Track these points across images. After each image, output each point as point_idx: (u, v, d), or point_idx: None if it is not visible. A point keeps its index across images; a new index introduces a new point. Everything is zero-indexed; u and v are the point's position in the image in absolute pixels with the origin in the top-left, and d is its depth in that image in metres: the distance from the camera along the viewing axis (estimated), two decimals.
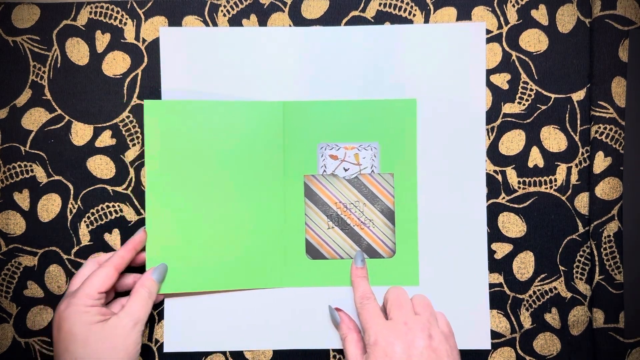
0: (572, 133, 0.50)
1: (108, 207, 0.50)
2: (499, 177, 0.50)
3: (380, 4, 0.50)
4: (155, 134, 0.48)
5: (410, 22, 0.50)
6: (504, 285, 0.50)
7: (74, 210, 0.50)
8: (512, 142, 0.50)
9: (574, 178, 0.50)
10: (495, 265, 0.50)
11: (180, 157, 0.49)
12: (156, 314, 0.50)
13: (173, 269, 0.48)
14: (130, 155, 0.50)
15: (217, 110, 0.49)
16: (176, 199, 0.48)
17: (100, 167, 0.50)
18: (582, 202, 0.50)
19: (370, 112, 0.49)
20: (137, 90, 0.50)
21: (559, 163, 0.50)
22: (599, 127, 0.49)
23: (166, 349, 0.50)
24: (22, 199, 0.50)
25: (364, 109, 0.49)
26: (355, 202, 0.50)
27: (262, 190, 0.49)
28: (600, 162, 0.49)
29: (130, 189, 0.50)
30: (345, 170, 0.50)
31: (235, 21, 0.50)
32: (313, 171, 0.50)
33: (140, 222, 0.50)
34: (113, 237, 0.50)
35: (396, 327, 0.42)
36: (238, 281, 0.49)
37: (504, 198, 0.50)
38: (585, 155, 0.50)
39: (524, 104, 0.50)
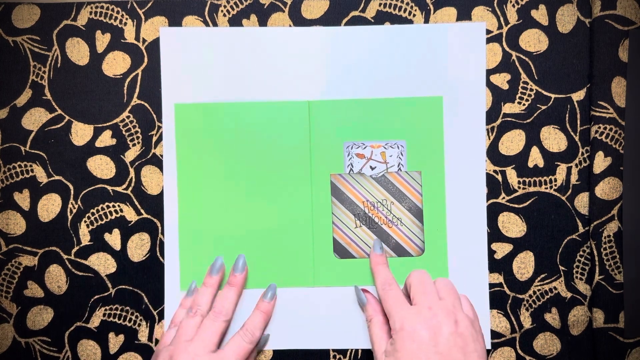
0: (572, 133, 0.50)
1: (108, 207, 0.50)
2: (499, 177, 0.50)
3: (380, 4, 0.50)
4: (185, 136, 0.49)
5: (410, 22, 0.50)
6: (504, 285, 0.50)
7: (74, 210, 0.50)
8: (512, 142, 0.50)
9: (574, 178, 0.50)
10: (495, 265, 0.50)
11: (209, 158, 0.50)
12: (156, 313, 0.50)
13: (202, 266, 0.49)
14: (130, 155, 0.50)
15: (245, 111, 0.50)
16: (205, 198, 0.49)
17: (100, 167, 0.50)
18: (582, 202, 0.50)
19: (396, 110, 0.49)
20: (137, 90, 0.50)
21: (559, 163, 0.50)
22: (599, 127, 0.49)
23: None
24: (22, 199, 0.50)
25: (389, 106, 0.49)
26: (382, 201, 0.50)
27: (289, 190, 0.49)
28: (600, 162, 0.49)
29: (130, 189, 0.50)
30: (372, 168, 0.50)
31: (235, 21, 0.50)
32: (340, 170, 0.50)
33: (141, 222, 0.50)
34: (113, 237, 0.50)
35: (421, 313, 0.42)
36: (266, 280, 0.49)
37: (504, 198, 0.50)
38: (585, 155, 0.50)
39: (524, 104, 0.50)
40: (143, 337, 0.50)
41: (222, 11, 0.50)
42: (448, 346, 0.41)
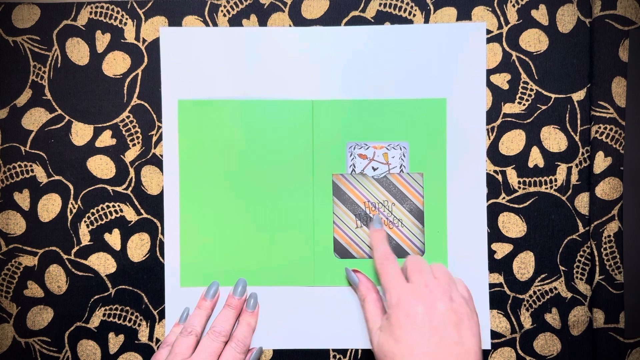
0: (572, 133, 0.50)
1: (108, 207, 0.50)
2: (499, 177, 0.50)
3: (380, 4, 0.50)
4: (188, 133, 0.49)
5: (410, 22, 0.50)
6: (504, 285, 0.50)
7: (74, 210, 0.50)
8: (512, 142, 0.50)
9: (574, 178, 0.50)
10: (495, 265, 0.50)
11: (211, 156, 0.50)
12: (156, 313, 0.50)
13: (202, 265, 0.49)
14: (130, 155, 0.50)
15: (248, 109, 0.50)
16: (207, 196, 0.50)
17: (100, 167, 0.50)
18: (582, 202, 0.50)
19: (399, 111, 0.49)
20: (137, 90, 0.50)
21: (559, 163, 0.50)
22: (599, 127, 0.49)
23: None
24: (22, 199, 0.50)
25: (393, 108, 0.49)
26: (384, 202, 0.50)
27: (291, 189, 0.49)
28: (601, 162, 0.49)
29: (130, 189, 0.50)
30: (374, 169, 0.50)
31: (235, 21, 0.50)
32: (342, 170, 0.50)
33: (141, 222, 0.50)
34: (113, 237, 0.50)
35: (417, 289, 0.43)
36: (266, 279, 0.49)
37: (504, 198, 0.50)
38: (585, 155, 0.50)
39: (524, 104, 0.50)
40: (143, 337, 0.50)
41: (222, 11, 0.50)
42: (442, 321, 0.41)
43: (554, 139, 0.50)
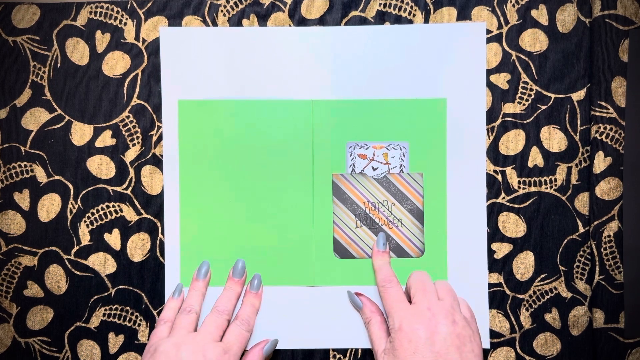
0: (572, 133, 0.50)
1: (108, 207, 0.50)
2: (499, 177, 0.50)
3: (380, 4, 0.50)
4: (188, 133, 0.49)
5: (410, 22, 0.50)
6: (504, 285, 0.50)
7: (74, 210, 0.50)
8: (512, 142, 0.50)
9: (574, 178, 0.50)
10: (495, 265, 0.50)
11: (211, 156, 0.50)
12: (156, 313, 0.50)
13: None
14: (130, 155, 0.50)
15: (248, 109, 0.50)
16: (207, 196, 0.50)
17: (100, 167, 0.50)
18: (582, 202, 0.50)
19: (399, 111, 0.49)
20: (137, 90, 0.50)
21: (559, 163, 0.50)
22: (599, 127, 0.49)
23: None
24: (22, 199, 0.50)
25: (393, 108, 0.49)
26: (383, 202, 0.50)
27: (291, 189, 0.50)
28: (600, 162, 0.49)
29: (130, 189, 0.50)
30: (374, 169, 0.50)
31: (235, 21, 0.50)
32: (342, 170, 0.50)
33: (141, 222, 0.50)
34: (113, 237, 0.50)
35: (420, 313, 0.43)
36: (266, 279, 0.50)
37: (504, 198, 0.50)
38: (585, 155, 0.50)
39: (524, 104, 0.50)
40: (143, 337, 0.50)
41: (222, 11, 0.50)
42: (445, 346, 0.41)
43: (553, 138, 0.50)
